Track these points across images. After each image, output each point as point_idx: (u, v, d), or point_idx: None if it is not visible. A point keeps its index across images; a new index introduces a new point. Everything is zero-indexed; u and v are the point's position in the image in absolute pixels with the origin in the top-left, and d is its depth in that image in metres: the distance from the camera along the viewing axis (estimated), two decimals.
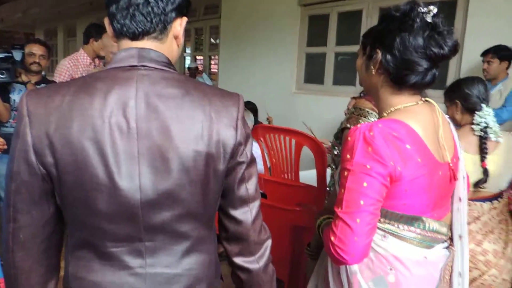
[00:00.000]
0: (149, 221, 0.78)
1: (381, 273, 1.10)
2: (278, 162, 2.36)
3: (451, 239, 1.21)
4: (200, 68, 6.83)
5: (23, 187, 0.76)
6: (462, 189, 1.18)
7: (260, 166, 2.64)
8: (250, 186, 0.87)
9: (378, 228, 1.10)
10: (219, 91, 0.84)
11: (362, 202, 0.99)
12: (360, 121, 1.68)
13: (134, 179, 0.75)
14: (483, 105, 1.75)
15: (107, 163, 0.73)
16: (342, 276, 1.16)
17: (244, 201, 0.87)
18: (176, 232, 0.81)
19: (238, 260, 0.91)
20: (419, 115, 1.08)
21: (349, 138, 1.05)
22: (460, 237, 1.19)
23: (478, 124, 1.75)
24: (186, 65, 7.07)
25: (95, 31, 3.20)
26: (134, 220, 0.77)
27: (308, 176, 2.40)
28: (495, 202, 1.78)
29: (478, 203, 1.77)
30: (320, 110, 4.55)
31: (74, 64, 3.16)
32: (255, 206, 0.88)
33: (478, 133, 1.75)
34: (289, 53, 5.07)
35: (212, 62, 7.18)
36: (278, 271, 2.32)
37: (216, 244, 0.94)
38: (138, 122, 0.74)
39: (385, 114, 1.12)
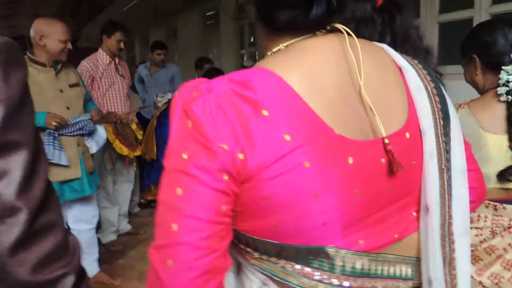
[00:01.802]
0: None
1: None
2: None
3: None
4: None
5: None
6: (432, 190, 0.65)
7: None
8: (6, 188, 0.54)
9: (255, 268, 0.64)
10: None
11: (175, 227, 0.54)
12: None
13: None
14: None
15: None
16: None
17: None
18: None
19: None
20: (310, 56, 0.60)
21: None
22: (430, 283, 0.65)
23: (505, 85, 1.16)
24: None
25: (106, 28, 3.13)
26: None
27: None
28: None
29: (509, 207, 1.18)
30: None
31: (94, 64, 3.11)
32: (18, 222, 0.54)
33: (504, 98, 1.16)
34: None
35: None
36: None
37: None
38: None
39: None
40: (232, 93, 0.55)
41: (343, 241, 0.60)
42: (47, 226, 0.58)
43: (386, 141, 0.60)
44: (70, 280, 0.59)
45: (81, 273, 0.62)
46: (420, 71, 0.69)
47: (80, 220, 2.53)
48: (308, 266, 0.60)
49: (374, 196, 0.61)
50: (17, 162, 0.55)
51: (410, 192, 0.65)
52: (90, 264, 2.67)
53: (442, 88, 0.70)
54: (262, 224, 0.59)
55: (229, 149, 0.54)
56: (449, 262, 0.65)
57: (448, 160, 0.66)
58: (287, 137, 0.54)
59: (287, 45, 0.64)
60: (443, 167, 0.65)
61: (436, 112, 0.67)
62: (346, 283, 0.60)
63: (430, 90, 0.68)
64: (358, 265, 0.60)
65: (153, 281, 0.55)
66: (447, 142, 0.66)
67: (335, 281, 0.59)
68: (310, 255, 0.59)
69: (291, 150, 0.54)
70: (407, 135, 0.64)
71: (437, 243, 0.64)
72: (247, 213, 0.58)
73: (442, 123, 0.67)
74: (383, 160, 0.61)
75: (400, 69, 0.69)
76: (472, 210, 0.71)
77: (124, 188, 3.50)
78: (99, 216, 2.75)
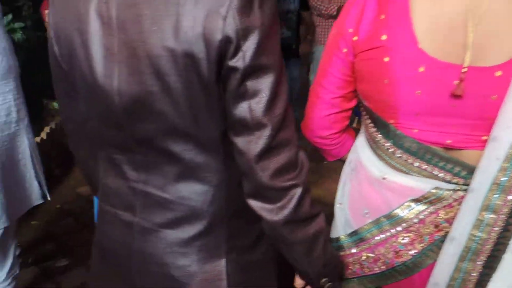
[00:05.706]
0: (135, 131, 0.68)
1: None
2: None
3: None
4: None
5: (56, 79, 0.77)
6: (503, 124, 0.71)
7: None
8: (256, 106, 0.61)
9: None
10: None
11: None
12: None
13: (113, 80, 0.64)
14: None
15: (90, 57, 0.65)
16: None
17: (246, 126, 0.62)
18: (165, 151, 0.68)
19: (252, 204, 0.68)
20: None
21: None
22: (472, 190, 0.75)
23: None
24: None
25: None
26: (121, 128, 0.69)
27: None
28: None
29: None
30: None
31: None
32: (263, 136, 0.62)
33: None
34: None
35: None
36: None
37: (235, 176, 0.71)
38: (118, 9, 0.61)
39: None
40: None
41: (401, 124, 0.79)
42: (284, 141, 0.64)
43: (464, 69, 0.70)
44: (298, 191, 0.66)
45: (306, 187, 0.68)
46: None
47: None
48: (378, 132, 0.84)
49: (434, 102, 0.75)
50: (266, 84, 0.61)
51: (481, 118, 0.74)
52: None
53: None
54: (359, 87, 0.85)
55: (352, 31, 0.80)
56: (503, 189, 0.71)
57: None
58: (384, 37, 0.75)
59: None
60: None
61: None
62: (398, 153, 0.81)
63: None
64: (413, 147, 0.79)
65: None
66: None
67: (391, 150, 0.81)
68: (378, 124, 0.83)
69: (380, 46, 0.76)
70: (498, 73, 0.70)
71: (495, 169, 0.71)
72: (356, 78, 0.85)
73: None
74: (456, 82, 0.72)
75: None
76: None
77: None
78: None
